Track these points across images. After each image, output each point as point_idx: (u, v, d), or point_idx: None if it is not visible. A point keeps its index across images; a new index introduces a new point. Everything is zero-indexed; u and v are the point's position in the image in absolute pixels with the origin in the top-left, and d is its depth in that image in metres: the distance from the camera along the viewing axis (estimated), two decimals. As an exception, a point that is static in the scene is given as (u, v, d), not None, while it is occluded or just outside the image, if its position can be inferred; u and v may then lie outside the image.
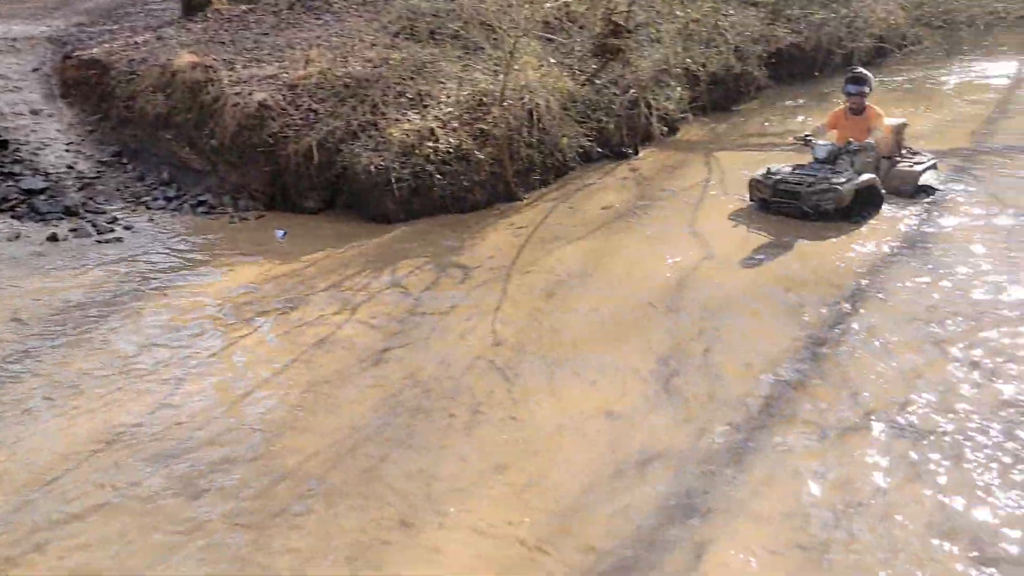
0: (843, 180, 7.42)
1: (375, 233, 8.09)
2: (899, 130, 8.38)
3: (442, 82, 9.34)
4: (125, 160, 9.92)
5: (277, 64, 9.91)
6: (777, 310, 6.05)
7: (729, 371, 5.27)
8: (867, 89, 7.98)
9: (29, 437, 4.80)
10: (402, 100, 9.04)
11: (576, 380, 5.29)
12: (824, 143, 7.84)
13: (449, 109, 8.93)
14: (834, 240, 7.18)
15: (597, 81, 10.18)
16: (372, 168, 8.31)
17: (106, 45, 11.75)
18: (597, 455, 4.54)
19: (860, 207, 7.52)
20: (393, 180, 8.20)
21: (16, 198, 8.61)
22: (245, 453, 4.66)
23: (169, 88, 9.77)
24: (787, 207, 7.59)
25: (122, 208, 8.78)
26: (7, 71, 11.94)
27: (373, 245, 7.80)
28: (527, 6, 8.69)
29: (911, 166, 8.14)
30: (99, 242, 7.80)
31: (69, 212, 8.43)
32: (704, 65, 10.91)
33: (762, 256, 6.98)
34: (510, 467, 4.47)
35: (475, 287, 6.77)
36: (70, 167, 9.55)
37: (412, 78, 9.34)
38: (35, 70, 12.14)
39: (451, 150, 8.55)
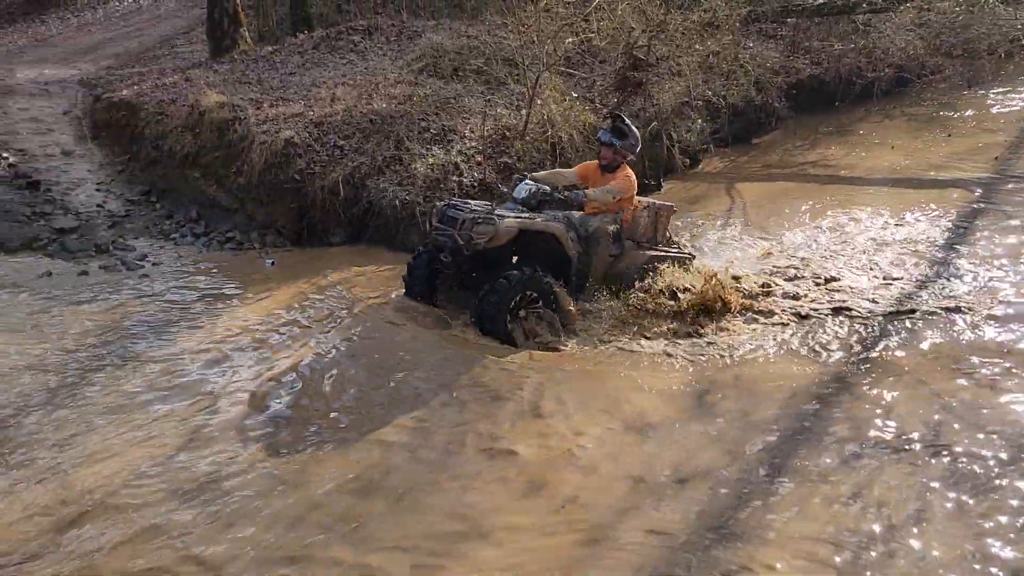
0: (510, 217, 5.83)
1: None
2: (661, 213, 6.86)
3: (465, 117, 9.45)
4: (154, 199, 10.12)
5: (303, 102, 10.08)
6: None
7: (762, 390, 5.22)
8: (618, 143, 6.42)
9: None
10: (426, 135, 9.16)
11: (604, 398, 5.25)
12: (529, 183, 6.23)
13: (473, 143, 9.03)
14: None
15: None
16: (397, 203, 8.40)
17: (135, 87, 12.04)
18: (632, 471, 4.47)
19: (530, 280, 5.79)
20: (418, 214, 8.29)
21: (48, 237, 8.78)
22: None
23: (197, 128, 9.98)
24: (443, 236, 6.02)
25: (151, 245, 8.90)
26: (39, 114, 12.27)
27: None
28: (549, 42, 8.81)
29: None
30: (129, 278, 7.89)
31: (100, 250, 8.57)
32: (725, 97, 11.00)
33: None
34: (548, 484, 4.41)
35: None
36: (100, 206, 9.74)
37: (436, 114, 9.46)
38: (66, 112, 12.47)
39: (475, 184, 8.63)
